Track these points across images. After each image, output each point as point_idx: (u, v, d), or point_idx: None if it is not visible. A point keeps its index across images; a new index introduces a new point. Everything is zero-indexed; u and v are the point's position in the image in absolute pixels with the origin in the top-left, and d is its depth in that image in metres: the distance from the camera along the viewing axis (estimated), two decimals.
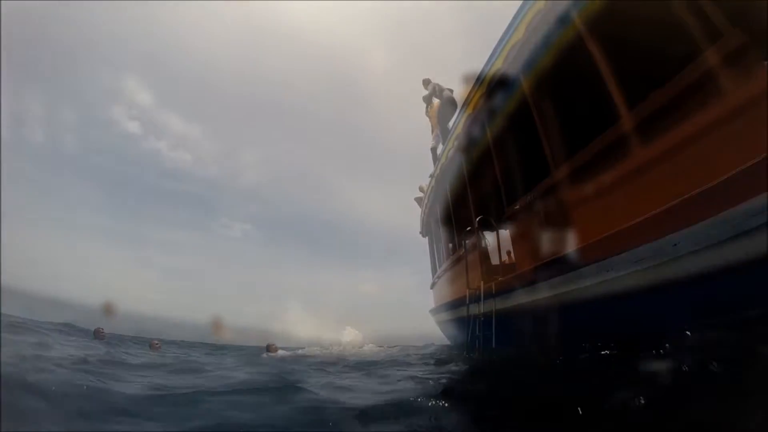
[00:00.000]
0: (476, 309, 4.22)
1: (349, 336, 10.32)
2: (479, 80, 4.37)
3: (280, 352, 8.37)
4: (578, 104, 3.33)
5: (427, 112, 7.69)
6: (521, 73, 3.68)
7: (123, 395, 2.53)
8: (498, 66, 3.92)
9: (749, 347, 1.83)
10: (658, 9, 2.49)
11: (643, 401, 1.78)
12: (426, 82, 7.44)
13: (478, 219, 4.62)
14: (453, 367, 4.48)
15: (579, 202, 3.01)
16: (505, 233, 4.56)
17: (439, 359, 5.42)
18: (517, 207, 3.78)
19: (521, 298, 3.54)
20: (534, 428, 2.01)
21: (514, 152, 4.28)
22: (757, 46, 1.90)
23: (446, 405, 2.37)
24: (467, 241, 4.90)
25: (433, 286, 8.23)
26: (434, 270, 8.27)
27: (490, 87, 4.17)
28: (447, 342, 7.60)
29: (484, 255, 4.70)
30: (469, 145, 5.12)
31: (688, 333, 2.12)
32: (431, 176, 7.16)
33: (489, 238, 5.03)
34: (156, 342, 8.03)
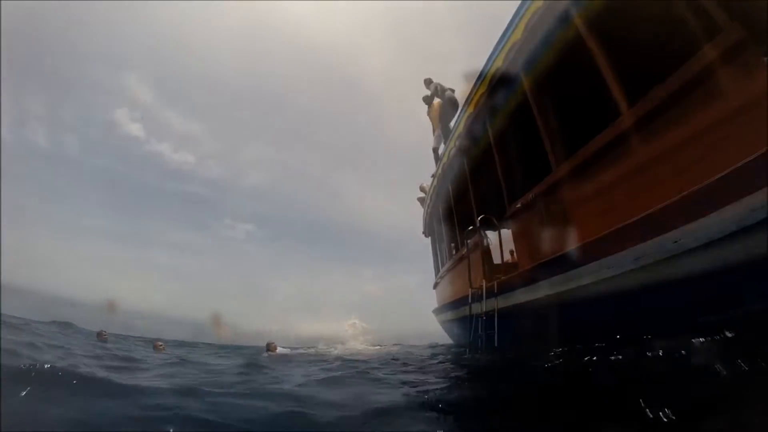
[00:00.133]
0: (478, 308, 4.22)
1: (353, 329, 10.34)
2: (479, 79, 4.38)
3: (279, 350, 8.50)
4: (578, 102, 3.34)
5: (428, 112, 7.71)
6: (521, 72, 3.69)
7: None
8: (498, 65, 3.93)
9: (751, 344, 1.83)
10: (657, 6, 2.49)
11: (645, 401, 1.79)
12: (428, 82, 7.46)
13: (479, 218, 4.62)
14: (449, 365, 4.48)
15: (579, 200, 3.01)
16: (507, 232, 4.56)
17: (435, 359, 5.42)
18: (519, 205, 3.78)
19: (523, 296, 3.53)
20: (534, 428, 2.00)
21: (514, 151, 4.28)
22: (756, 42, 1.90)
23: (443, 406, 2.37)
24: (469, 240, 4.91)
25: (435, 286, 8.23)
26: (437, 270, 8.27)
27: (491, 86, 4.17)
28: (450, 341, 7.61)
29: (486, 254, 4.70)
30: (470, 145, 5.12)
31: (687, 332, 2.12)
32: (433, 176, 7.17)
33: (491, 236, 5.04)
34: (160, 343, 8.05)
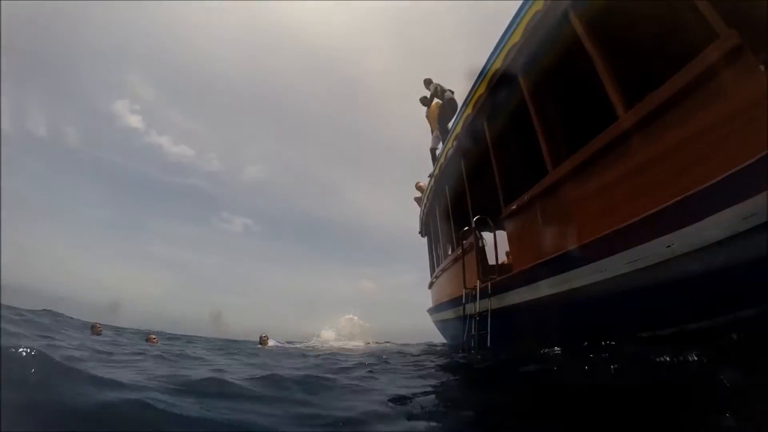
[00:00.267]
0: (472, 309, 4.23)
1: (350, 324, 10.39)
2: (478, 80, 4.38)
3: (271, 343, 8.72)
4: (575, 105, 3.35)
5: (426, 114, 7.72)
6: (520, 74, 3.69)
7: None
8: (497, 66, 3.93)
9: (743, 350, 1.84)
10: (655, 10, 2.50)
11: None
12: (427, 82, 7.45)
13: (475, 219, 4.63)
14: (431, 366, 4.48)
15: (573, 203, 3.02)
16: (502, 233, 4.57)
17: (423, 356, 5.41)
18: (514, 207, 3.79)
19: (517, 297, 3.54)
20: (528, 428, 2.01)
21: (511, 152, 4.29)
22: (752, 48, 1.91)
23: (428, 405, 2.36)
24: (464, 241, 4.91)
25: (431, 285, 8.25)
26: (433, 270, 8.28)
27: (489, 87, 4.17)
28: (444, 340, 7.63)
29: (481, 255, 4.71)
30: (467, 146, 5.13)
31: (685, 332, 2.13)
32: (430, 176, 7.18)
33: (486, 237, 5.05)
34: (153, 337, 8.06)
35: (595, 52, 2.76)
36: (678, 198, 2.02)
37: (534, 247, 3.44)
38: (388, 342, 9.97)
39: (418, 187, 8.78)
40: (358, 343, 9.49)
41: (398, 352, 6.66)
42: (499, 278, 3.98)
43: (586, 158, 2.81)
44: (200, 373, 3.27)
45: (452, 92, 7.01)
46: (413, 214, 9.42)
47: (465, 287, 4.54)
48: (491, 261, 4.94)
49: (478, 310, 4.07)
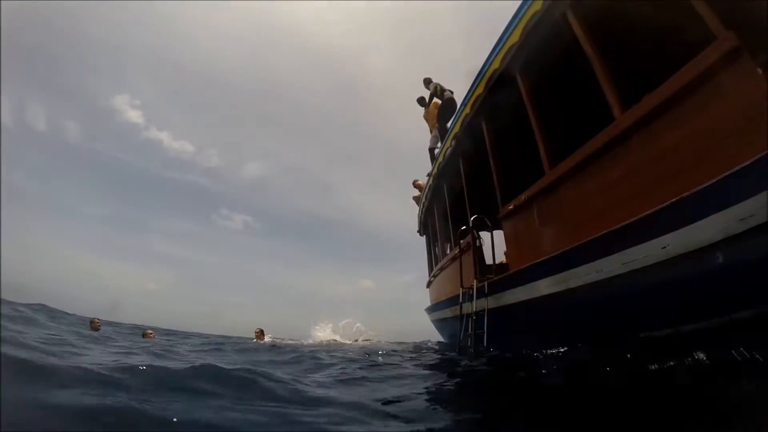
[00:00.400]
0: (469, 308, 4.24)
1: (348, 326, 10.42)
2: (477, 80, 4.38)
3: (267, 339, 8.86)
4: (572, 106, 3.35)
5: (424, 114, 7.71)
6: (518, 74, 3.69)
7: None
8: (495, 67, 3.93)
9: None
10: (653, 11, 2.50)
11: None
12: (427, 82, 7.44)
13: (473, 218, 4.63)
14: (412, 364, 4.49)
15: (569, 204, 3.03)
16: (500, 232, 4.58)
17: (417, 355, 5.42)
18: (511, 207, 3.79)
19: (513, 297, 3.55)
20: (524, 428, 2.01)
21: (509, 153, 4.29)
22: (750, 49, 1.91)
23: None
24: (462, 240, 4.92)
25: (429, 284, 8.26)
26: (430, 269, 8.29)
27: (488, 87, 4.17)
28: (442, 339, 7.65)
29: (478, 254, 4.71)
30: (465, 145, 5.13)
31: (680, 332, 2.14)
32: (428, 175, 7.17)
33: (484, 237, 5.05)
34: (150, 332, 8.07)
35: (593, 52, 2.77)
36: (674, 199, 2.03)
37: (531, 247, 3.45)
38: (382, 340, 9.99)
39: (416, 185, 8.77)
40: (353, 341, 9.52)
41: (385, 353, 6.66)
42: (495, 278, 3.99)
43: (583, 159, 2.82)
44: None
45: (452, 92, 7.01)
46: (412, 213, 9.43)
47: (462, 286, 4.55)
48: (489, 260, 4.95)
49: (474, 310, 4.08)
